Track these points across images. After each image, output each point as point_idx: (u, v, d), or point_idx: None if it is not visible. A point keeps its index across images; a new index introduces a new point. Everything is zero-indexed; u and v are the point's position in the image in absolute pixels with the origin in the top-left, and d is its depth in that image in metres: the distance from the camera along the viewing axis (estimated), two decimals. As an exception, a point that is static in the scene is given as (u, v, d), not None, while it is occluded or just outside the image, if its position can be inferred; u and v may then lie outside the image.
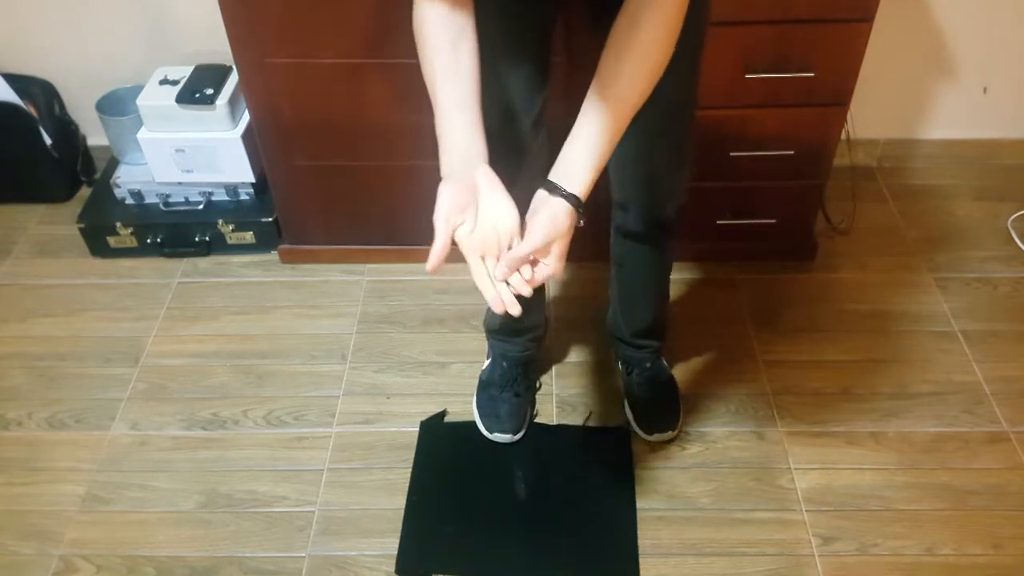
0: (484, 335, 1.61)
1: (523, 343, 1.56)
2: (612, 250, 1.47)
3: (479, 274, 0.97)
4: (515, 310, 0.96)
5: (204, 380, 1.67)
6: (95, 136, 2.11)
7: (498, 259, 0.96)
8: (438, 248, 0.94)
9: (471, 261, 0.97)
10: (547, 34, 1.20)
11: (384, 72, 1.57)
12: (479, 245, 0.96)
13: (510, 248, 0.96)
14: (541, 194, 0.98)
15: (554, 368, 1.67)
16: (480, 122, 0.99)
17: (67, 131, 2.07)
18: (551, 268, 0.98)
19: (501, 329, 1.55)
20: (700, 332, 1.73)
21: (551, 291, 1.82)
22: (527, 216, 0.98)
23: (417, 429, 1.57)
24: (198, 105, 1.78)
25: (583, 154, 0.97)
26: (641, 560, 1.37)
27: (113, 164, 1.99)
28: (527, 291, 0.97)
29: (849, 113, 1.64)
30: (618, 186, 1.32)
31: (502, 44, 1.14)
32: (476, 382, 1.61)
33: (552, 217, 0.96)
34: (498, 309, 0.96)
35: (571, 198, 0.96)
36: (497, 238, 0.96)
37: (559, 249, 0.97)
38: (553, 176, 0.98)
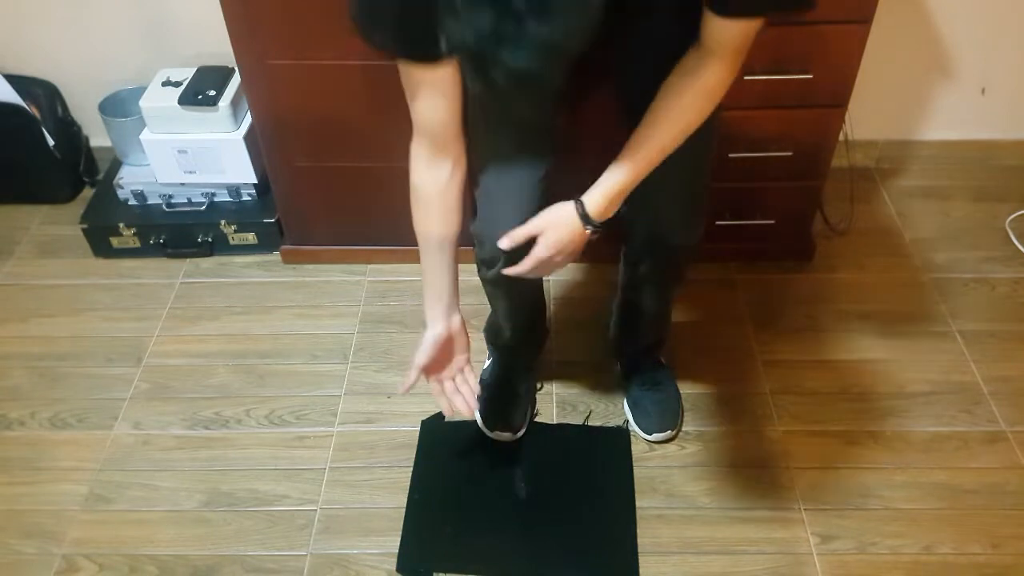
0: (483, 330, 1.61)
1: (523, 352, 1.59)
2: (621, 278, 1.50)
3: (437, 392, 1.27)
4: (466, 413, 1.26)
5: (206, 380, 1.68)
6: (98, 137, 2.12)
7: (454, 380, 1.27)
8: (408, 385, 1.21)
9: (432, 384, 1.26)
10: (549, 126, 1.23)
11: (385, 73, 1.57)
12: (439, 372, 1.26)
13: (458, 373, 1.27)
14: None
15: (554, 368, 1.68)
16: (456, 270, 1.19)
17: (70, 132, 2.08)
18: (526, 263, 1.12)
19: (501, 347, 1.56)
20: (699, 332, 1.74)
21: (552, 291, 1.83)
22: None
23: (418, 428, 1.57)
24: (200, 106, 1.79)
25: (605, 176, 1.08)
26: (641, 559, 1.37)
27: (116, 165, 2.00)
28: (465, 408, 1.26)
29: (847, 114, 1.64)
30: (632, 222, 1.33)
31: (505, 141, 1.21)
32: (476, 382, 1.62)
33: (554, 212, 1.10)
34: (448, 413, 1.27)
35: (579, 204, 1.09)
36: (449, 369, 1.26)
37: (543, 241, 1.10)
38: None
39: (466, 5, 0.76)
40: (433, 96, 1.01)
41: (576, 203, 1.10)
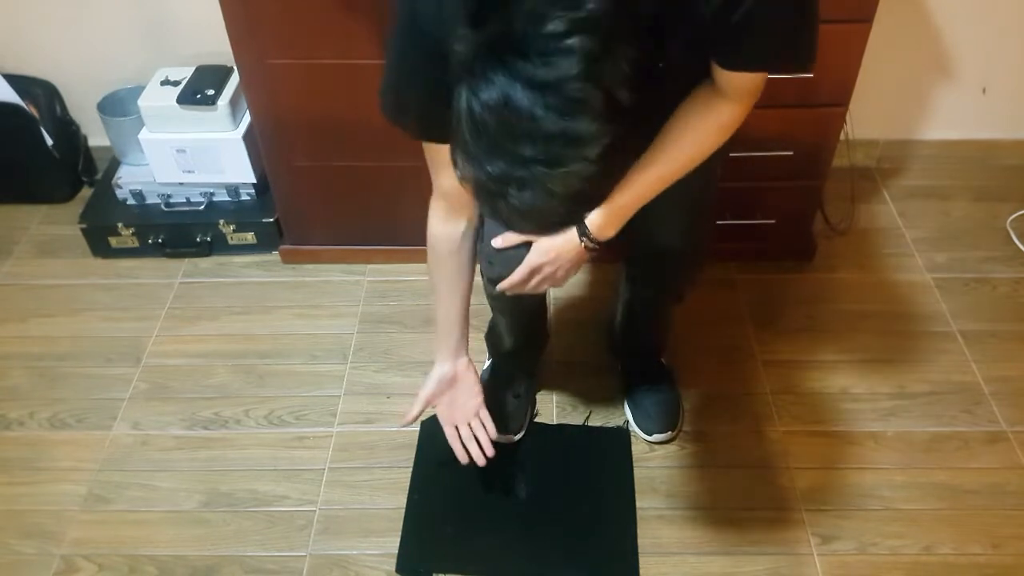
0: (484, 335, 1.61)
1: (524, 357, 1.59)
2: (621, 291, 1.52)
3: (452, 437, 1.34)
4: (480, 461, 1.33)
5: (205, 380, 1.68)
6: (96, 137, 2.11)
7: (469, 426, 1.33)
8: (411, 416, 1.31)
9: (447, 429, 1.34)
10: None
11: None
12: (454, 417, 1.33)
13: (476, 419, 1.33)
14: None
15: (554, 368, 1.67)
16: (467, 314, 1.26)
17: (68, 132, 2.08)
18: (520, 271, 1.12)
19: (502, 353, 1.56)
20: (700, 332, 1.74)
21: (552, 291, 1.83)
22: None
23: (418, 429, 1.57)
24: (199, 106, 1.78)
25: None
26: (641, 559, 1.37)
27: (114, 165, 1.99)
28: (480, 455, 1.33)
29: (848, 114, 1.64)
30: (632, 237, 1.32)
31: None
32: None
33: None
34: (463, 460, 1.33)
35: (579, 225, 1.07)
36: (465, 413, 1.33)
37: (536, 246, 1.10)
38: None
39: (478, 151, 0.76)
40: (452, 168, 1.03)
41: None
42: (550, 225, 0.87)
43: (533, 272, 1.12)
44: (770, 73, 0.97)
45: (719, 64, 0.95)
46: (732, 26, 0.86)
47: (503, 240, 1.14)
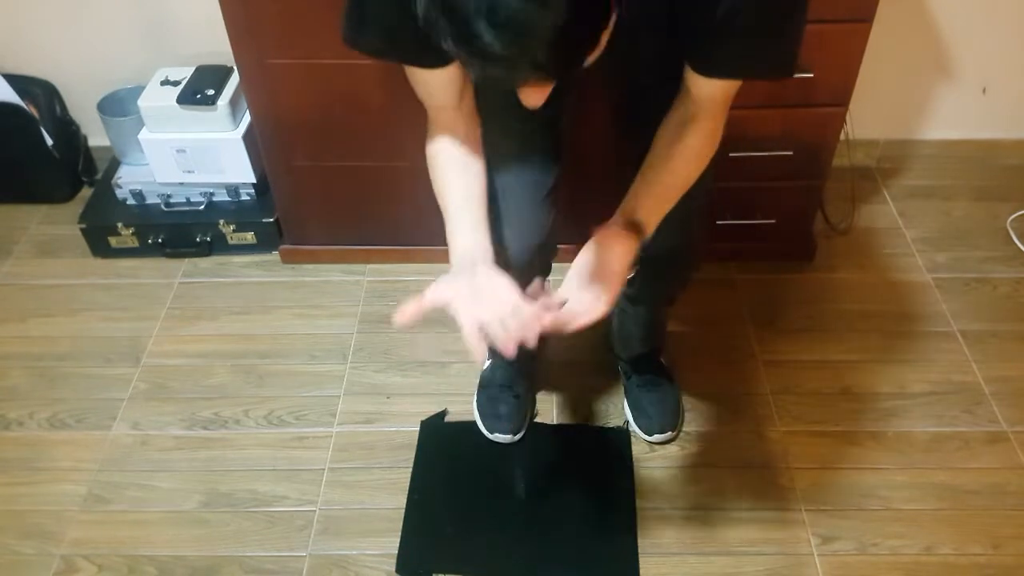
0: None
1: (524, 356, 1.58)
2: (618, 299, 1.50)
3: (472, 335, 0.93)
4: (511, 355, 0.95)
5: (205, 380, 1.67)
6: (96, 137, 2.11)
7: (502, 321, 0.94)
8: (406, 314, 0.94)
9: (467, 325, 0.93)
10: (557, 123, 1.22)
11: (385, 72, 1.57)
12: (480, 311, 0.94)
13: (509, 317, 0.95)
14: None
15: (554, 368, 1.67)
16: (485, 224, 1.05)
17: (68, 131, 2.08)
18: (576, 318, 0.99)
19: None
20: (700, 332, 1.74)
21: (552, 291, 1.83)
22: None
23: (417, 429, 1.57)
24: (199, 106, 1.78)
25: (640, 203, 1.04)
26: (641, 560, 1.37)
27: (114, 165, 1.99)
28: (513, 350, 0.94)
29: (848, 113, 1.64)
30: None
31: (514, 142, 1.19)
32: (476, 382, 1.62)
33: (605, 230, 1.02)
34: (480, 358, 0.94)
35: (626, 222, 1.02)
36: (497, 307, 0.95)
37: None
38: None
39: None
40: (438, 86, 1.02)
41: (630, 225, 1.03)
42: (533, 68, 0.75)
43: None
44: (746, 80, 0.98)
45: (694, 68, 0.96)
46: (715, 23, 0.86)
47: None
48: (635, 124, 1.13)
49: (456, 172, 1.07)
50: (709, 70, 0.96)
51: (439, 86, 1.02)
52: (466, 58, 0.74)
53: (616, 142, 1.28)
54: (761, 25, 0.90)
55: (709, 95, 0.99)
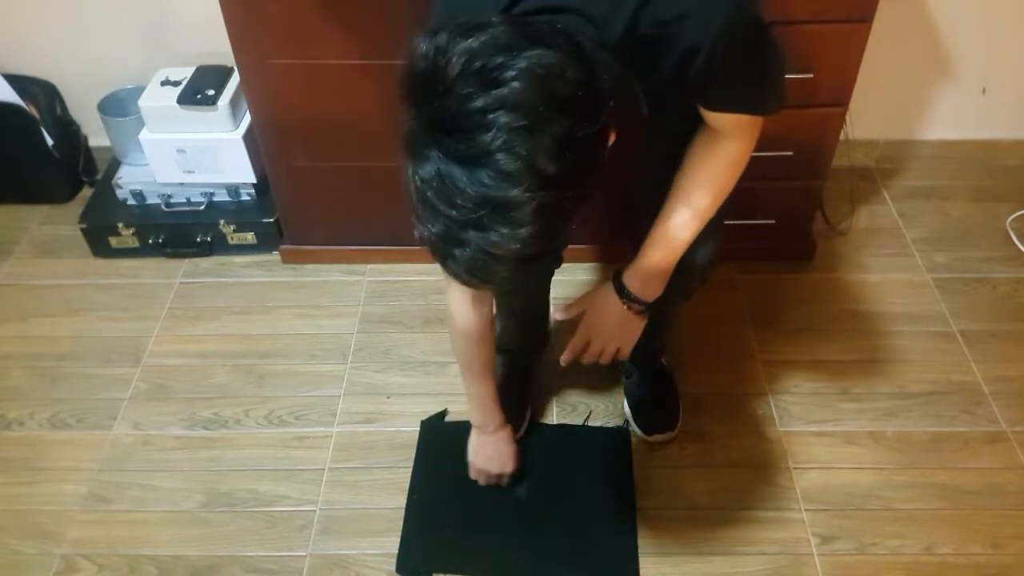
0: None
1: (525, 356, 1.60)
2: None
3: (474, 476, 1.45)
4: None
5: (205, 380, 1.68)
6: (96, 137, 2.11)
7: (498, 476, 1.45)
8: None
9: (473, 471, 1.46)
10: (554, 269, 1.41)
11: (385, 72, 1.57)
12: (481, 464, 1.45)
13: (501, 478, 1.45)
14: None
15: (554, 368, 1.67)
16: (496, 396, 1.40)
17: (69, 132, 2.08)
18: (569, 352, 1.20)
19: (502, 351, 1.56)
20: (700, 332, 1.74)
21: (553, 291, 1.82)
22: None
23: (417, 429, 1.57)
24: (199, 106, 1.78)
25: (640, 252, 1.13)
26: (641, 559, 1.37)
27: (115, 165, 1.99)
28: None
29: (848, 114, 1.64)
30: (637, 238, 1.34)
31: (516, 300, 1.42)
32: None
33: (596, 294, 1.18)
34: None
35: (616, 281, 1.15)
36: (496, 463, 1.44)
37: (582, 326, 1.18)
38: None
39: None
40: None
41: (614, 280, 1.15)
42: (500, 283, 0.89)
43: (579, 347, 1.19)
44: (738, 114, 1.01)
45: (699, 104, 1.00)
46: (693, 80, 0.90)
47: (564, 313, 1.20)
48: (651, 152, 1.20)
49: (484, 364, 1.33)
50: (711, 106, 1.00)
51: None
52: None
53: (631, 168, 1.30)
54: (743, 67, 0.93)
55: (727, 123, 1.03)
